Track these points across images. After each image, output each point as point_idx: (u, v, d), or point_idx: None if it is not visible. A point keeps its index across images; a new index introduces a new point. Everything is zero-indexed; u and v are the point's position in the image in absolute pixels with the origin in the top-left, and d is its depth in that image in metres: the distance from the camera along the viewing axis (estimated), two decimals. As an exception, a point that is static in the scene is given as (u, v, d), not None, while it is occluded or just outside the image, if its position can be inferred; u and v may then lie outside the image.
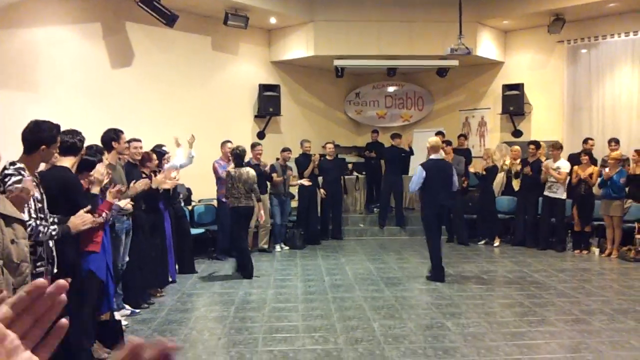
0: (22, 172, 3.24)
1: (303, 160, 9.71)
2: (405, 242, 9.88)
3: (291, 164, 9.65)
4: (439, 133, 10.47)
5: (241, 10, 9.36)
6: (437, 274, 6.89)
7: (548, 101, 10.96)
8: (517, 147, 9.78)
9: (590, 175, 8.58)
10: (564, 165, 8.79)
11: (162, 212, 6.48)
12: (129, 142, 5.91)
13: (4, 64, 7.23)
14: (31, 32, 7.54)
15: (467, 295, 6.23)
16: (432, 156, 7.01)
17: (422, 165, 6.96)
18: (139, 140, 6.11)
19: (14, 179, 3.18)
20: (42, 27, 7.66)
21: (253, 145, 9.02)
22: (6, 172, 3.22)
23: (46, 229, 3.25)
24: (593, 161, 8.87)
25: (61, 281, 0.68)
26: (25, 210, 3.11)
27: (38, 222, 3.22)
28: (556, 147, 8.97)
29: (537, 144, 9.35)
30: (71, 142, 3.81)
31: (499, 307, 5.79)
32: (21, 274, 2.80)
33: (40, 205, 3.32)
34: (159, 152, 6.75)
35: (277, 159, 9.47)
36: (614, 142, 8.90)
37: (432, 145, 7.02)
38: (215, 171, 8.46)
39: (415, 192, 7.31)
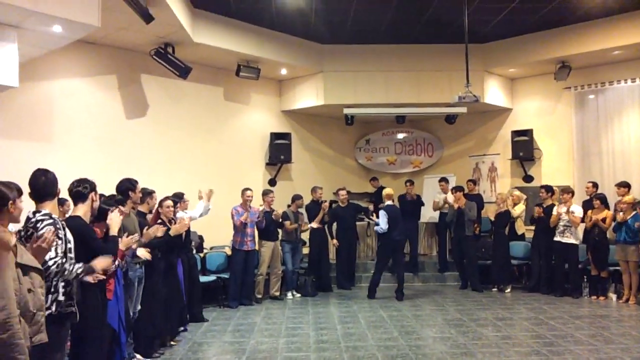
0: (53, 217, 3.33)
1: (313, 207, 9.74)
2: (418, 289, 9.76)
3: (302, 210, 9.69)
4: (442, 179, 10.55)
5: (253, 62, 9.62)
6: (370, 292, 9.00)
7: (557, 146, 11.01)
8: (517, 193, 9.81)
9: (604, 219, 8.52)
10: (577, 209, 8.75)
11: (175, 260, 6.51)
12: (161, 201, 6.25)
13: (22, 116, 7.45)
14: (48, 84, 7.80)
15: (483, 344, 6.12)
16: (388, 202, 9.00)
17: (385, 209, 8.89)
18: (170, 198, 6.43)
19: (46, 222, 3.27)
20: (59, 80, 7.93)
21: (265, 193, 9.10)
22: (36, 217, 3.30)
23: (72, 266, 3.33)
24: (606, 205, 8.82)
25: None
26: (53, 248, 3.20)
27: (64, 259, 3.31)
28: (567, 191, 8.96)
29: (548, 188, 9.34)
30: (75, 190, 3.89)
31: (515, 355, 5.67)
32: (36, 322, 2.82)
33: (70, 246, 3.40)
34: (178, 195, 6.86)
35: (289, 206, 9.52)
36: (622, 186, 8.88)
37: (387, 194, 9.11)
38: (232, 217, 8.48)
39: (383, 231, 8.77)
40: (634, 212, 8.24)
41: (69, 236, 3.47)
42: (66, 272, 3.32)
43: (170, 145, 9.24)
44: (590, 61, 10.11)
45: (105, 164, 8.14)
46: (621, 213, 8.28)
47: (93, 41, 8.11)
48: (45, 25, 6.10)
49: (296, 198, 9.53)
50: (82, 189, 3.87)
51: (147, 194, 6.23)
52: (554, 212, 8.88)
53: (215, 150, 9.96)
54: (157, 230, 5.51)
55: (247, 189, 8.63)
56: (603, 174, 10.27)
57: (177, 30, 7.91)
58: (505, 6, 8.82)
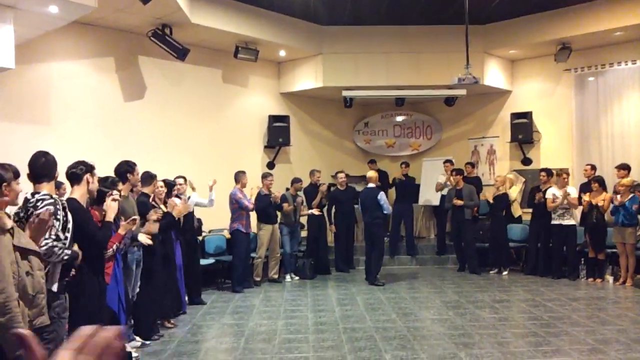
0: (54, 197, 3.34)
1: (311, 191, 9.75)
2: (416, 271, 9.81)
3: (300, 194, 9.70)
4: (447, 161, 10.53)
5: (251, 43, 9.54)
6: (366, 275, 8.94)
7: (557, 129, 10.98)
8: (511, 175, 9.85)
9: (602, 201, 8.54)
10: (572, 191, 8.78)
11: (173, 242, 6.53)
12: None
13: (19, 98, 7.40)
14: (45, 66, 7.73)
15: (480, 325, 6.17)
16: (369, 185, 8.91)
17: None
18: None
19: (47, 201, 3.28)
20: (56, 62, 7.85)
21: (264, 176, 9.09)
22: (36, 198, 3.29)
23: (60, 250, 3.31)
24: (604, 188, 8.83)
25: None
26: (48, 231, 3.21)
27: (55, 242, 3.29)
28: (559, 174, 8.97)
29: (548, 171, 9.35)
30: (71, 172, 3.88)
31: (512, 337, 5.72)
32: (37, 305, 2.83)
33: (69, 226, 3.40)
34: (170, 183, 6.83)
35: (287, 189, 9.52)
36: (622, 168, 8.87)
37: (368, 176, 9.13)
38: (238, 201, 8.44)
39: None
40: (631, 195, 8.25)
41: (70, 216, 3.47)
42: (53, 256, 3.29)
43: (168, 127, 9.20)
44: (591, 43, 10.04)
45: (103, 146, 8.10)
46: (619, 196, 8.29)
47: (90, 22, 8.02)
48: (41, 5, 6.04)
49: (295, 181, 9.53)
50: (77, 170, 3.85)
51: (151, 177, 6.23)
52: (548, 195, 8.88)
53: (213, 132, 9.92)
54: (153, 215, 5.51)
55: (244, 172, 8.61)
56: (602, 156, 10.27)
57: (174, 11, 7.82)
58: (506, -13, 8.73)
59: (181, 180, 7.46)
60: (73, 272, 3.49)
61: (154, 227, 5.57)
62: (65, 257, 3.38)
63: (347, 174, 10.70)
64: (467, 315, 6.63)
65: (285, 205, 9.12)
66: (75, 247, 3.59)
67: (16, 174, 3.00)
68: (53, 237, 3.30)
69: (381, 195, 8.63)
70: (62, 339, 3.31)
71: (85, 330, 0.75)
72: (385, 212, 8.71)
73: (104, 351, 0.72)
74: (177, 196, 7.15)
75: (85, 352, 0.70)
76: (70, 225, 3.46)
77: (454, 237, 9.97)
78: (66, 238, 3.42)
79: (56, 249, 3.28)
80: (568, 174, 9.03)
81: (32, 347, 0.73)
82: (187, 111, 9.53)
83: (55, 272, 3.34)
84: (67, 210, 3.47)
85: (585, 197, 8.68)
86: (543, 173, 9.34)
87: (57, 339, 3.16)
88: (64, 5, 6.07)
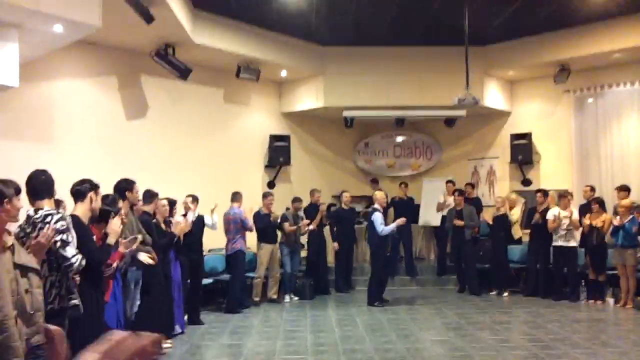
0: (60, 211, 3.39)
1: (312, 210, 9.74)
2: (416, 292, 9.76)
3: (301, 213, 9.68)
4: (449, 182, 10.56)
5: (253, 64, 9.63)
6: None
7: (556, 150, 11.02)
8: (513, 196, 9.82)
9: (602, 223, 8.53)
10: (574, 212, 8.77)
11: (172, 262, 6.53)
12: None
13: (22, 116, 7.44)
14: (49, 84, 7.79)
15: (481, 347, 6.12)
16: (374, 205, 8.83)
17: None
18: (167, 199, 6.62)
19: (56, 217, 3.36)
20: (60, 80, 7.92)
21: (265, 195, 9.09)
22: (43, 213, 3.35)
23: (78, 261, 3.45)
24: (604, 209, 8.82)
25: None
26: (73, 245, 3.43)
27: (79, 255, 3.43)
28: (564, 195, 8.97)
29: (544, 192, 9.36)
30: (76, 189, 3.93)
31: (513, 359, 5.67)
32: (34, 323, 2.81)
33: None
34: (172, 201, 6.85)
35: (287, 209, 9.52)
36: (622, 189, 8.89)
37: (374, 197, 9.02)
38: (243, 220, 8.40)
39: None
40: (631, 216, 8.25)
41: (74, 232, 3.50)
42: (77, 267, 3.45)
43: (169, 146, 9.23)
44: (590, 64, 10.13)
45: (105, 165, 8.11)
46: (618, 217, 8.29)
47: (93, 42, 8.09)
48: (46, 24, 6.10)
49: (295, 201, 9.53)
50: (81, 188, 3.89)
51: (153, 195, 6.27)
52: (549, 216, 8.88)
53: (214, 151, 9.96)
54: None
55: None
56: (602, 177, 10.28)
57: (177, 31, 7.91)
58: (506, 8, 8.83)
59: (189, 199, 7.51)
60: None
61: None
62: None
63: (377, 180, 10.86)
64: (467, 337, 6.58)
65: (286, 224, 9.11)
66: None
67: (17, 190, 3.01)
68: (77, 250, 3.44)
69: (375, 216, 8.54)
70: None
71: (116, 335, 0.73)
72: (379, 233, 8.49)
73: (135, 357, 0.71)
74: (183, 215, 7.19)
75: (111, 355, 0.69)
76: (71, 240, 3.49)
77: (454, 258, 9.93)
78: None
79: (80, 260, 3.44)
80: (572, 195, 9.02)
81: (57, 345, 0.72)
82: (188, 130, 9.58)
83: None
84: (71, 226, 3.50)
85: (586, 220, 8.66)
86: (539, 194, 9.35)
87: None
88: (69, 24, 6.14)
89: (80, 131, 8.07)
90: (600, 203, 8.78)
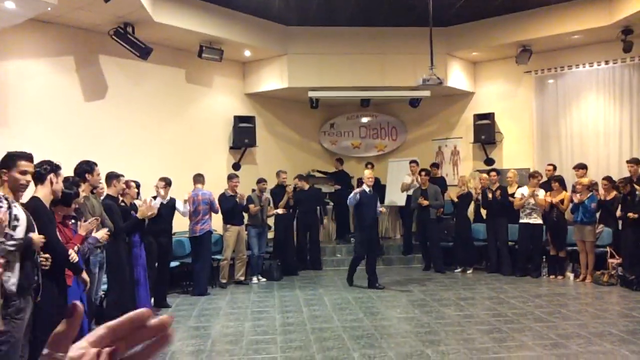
0: (7, 198, 3.23)
1: (279, 192, 9.71)
2: (382, 271, 9.82)
3: (267, 194, 9.64)
4: (413, 162, 10.65)
5: (216, 43, 9.44)
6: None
7: (518, 130, 11.21)
8: (484, 175, 9.82)
9: (562, 201, 8.75)
10: (540, 192, 8.96)
11: (138, 245, 6.42)
12: (126, 182, 6.29)
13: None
14: (1, 65, 7.47)
15: (446, 323, 6.23)
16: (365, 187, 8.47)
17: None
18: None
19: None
20: (13, 60, 7.60)
21: (230, 177, 9.00)
22: None
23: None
24: (564, 187, 9.06)
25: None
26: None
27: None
28: (535, 176, 9.15)
29: (497, 171, 9.65)
30: (36, 171, 3.79)
31: (477, 333, 5.79)
32: None
33: (15, 224, 3.30)
34: (137, 182, 6.77)
35: (253, 190, 9.46)
36: (580, 167, 9.15)
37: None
38: (213, 202, 8.38)
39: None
40: (590, 193, 8.48)
41: (20, 214, 3.35)
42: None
43: (130, 128, 9.01)
44: (550, 45, 10.30)
45: (63, 147, 7.86)
46: (578, 195, 8.51)
47: (48, 20, 7.80)
48: (-4, 1, 5.84)
49: (259, 181, 9.47)
50: (41, 170, 3.75)
51: (114, 177, 6.13)
52: (517, 194, 9.07)
53: (177, 133, 9.77)
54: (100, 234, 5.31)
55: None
56: (562, 156, 10.53)
57: (137, 10, 7.68)
58: (469, -10, 8.88)
59: (162, 184, 7.41)
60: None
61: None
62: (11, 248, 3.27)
63: (311, 174, 10.87)
64: (432, 313, 6.69)
65: (251, 206, 9.05)
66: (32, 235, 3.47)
67: None
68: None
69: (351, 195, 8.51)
70: (18, 341, 3.20)
71: (110, 323, 0.68)
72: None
73: (134, 333, 0.65)
74: (154, 197, 7.12)
75: (102, 343, 0.64)
76: (17, 224, 3.32)
77: (420, 237, 10.07)
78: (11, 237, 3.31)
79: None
80: (542, 176, 9.20)
81: (75, 324, 0.66)
82: (149, 111, 9.36)
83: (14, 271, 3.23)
84: (17, 208, 3.35)
85: (546, 197, 8.86)
86: (493, 173, 9.55)
87: (11, 341, 3.05)
88: (22, 1, 5.89)
89: (36, 113, 7.79)
90: (560, 181, 9.00)
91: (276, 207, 9.63)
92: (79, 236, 4.37)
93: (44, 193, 3.76)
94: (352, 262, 8.68)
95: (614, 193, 8.72)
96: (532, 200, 8.87)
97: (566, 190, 9.02)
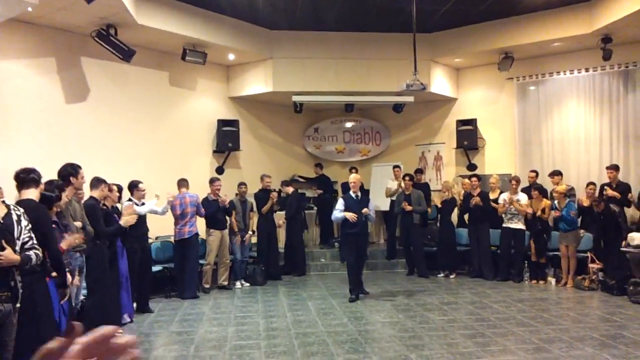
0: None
1: (262, 196, 9.66)
2: (366, 276, 9.78)
3: (250, 198, 9.61)
4: (396, 167, 10.70)
5: (199, 46, 9.38)
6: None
7: (500, 136, 11.32)
8: (466, 181, 9.83)
9: (543, 209, 8.84)
10: (522, 197, 9.05)
11: (120, 250, 6.35)
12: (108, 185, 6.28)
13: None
14: (-18, 66, 7.35)
15: (430, 327, 6.24)
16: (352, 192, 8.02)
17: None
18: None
19: None
20: (-6, 62, 7.48)
21: (212, 181, 8.96)
22: None
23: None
24: (544, 195, 9.14)
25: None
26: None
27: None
28: (517, 180, 9.24)
29: (478, 177, 9.71)
30: (30, 177, 3.84)
31: (461, 337, 5.81)
32: None
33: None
34: (120, 185, 6.73)
35: (236, 194, 9.41)
36: (555, 174, 9.31)
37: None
38: (199, 206, 8.40)
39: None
40: (567, 201, 8.57)
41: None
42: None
43: (113, 131, 8.90)
44: (532, 52, 10.42)
45: (44, 149, 7.76)
46: (554, 211, 8.59)
47: (30, 21, 7.68)
48: (-24, 1, 5.74)
49: (239, 185, 9.45)
50: (36, 177, 3.88)
51: (102, 181, 6.11)
52: (500, 200, 9.15)
53: (160, 136, 9.68)
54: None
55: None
56: (543, 162, 10.64)
57: (120, 12, 7.59)
58: (452, -4, 8.96)
59: (143, 186, 7.36)
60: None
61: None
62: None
63: (295, 179, 10.93)
64: (416, 318, 6.70)
65: (234, 220, 9.07)
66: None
67: None
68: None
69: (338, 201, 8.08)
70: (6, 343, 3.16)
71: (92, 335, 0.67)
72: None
73: (103, 352, 0.64)
74: (131, 200, 7.09)
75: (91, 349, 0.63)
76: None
77: (403, 242, 10.09)
78: None
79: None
80: (518, 181, 9.28)
81: (70, 343, 0.65)
82: (132, 114, 9.26)
83: None
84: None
85: (528, 209, 8.89)
86: (474, 178, 9.62)
87: None
88: (2, 1, 5.79)
89: (17, 115, 7.66)
90: (540, 189, 9.09)
91: (259, 212, 9.59)
92: (60, 247, 4.31)
93: (36, 195, 3.78)
94: (348, 271, 8.05)
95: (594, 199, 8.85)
96: (513, 207, 8.95)
97: (547, 198, 9.11)
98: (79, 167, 5.34)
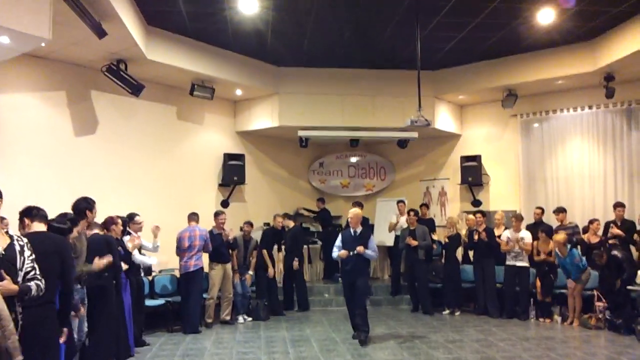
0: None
1: (270, 233, 9.68)
2: (370, 312, 9.71)
3: (257, 233, 9.60)
4: (400, 201, 10.70)
5: (207, 82, 9.54)
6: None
7: (505, 172, 11.35)
8: (471, 217, 9.74)
9: (550, 252, 8.79)
10: (526, 235, 9.00)
11: (124, 283, 6.35)
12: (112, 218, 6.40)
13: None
14: (-7, 98, 7.48)
15: (435, 366, 6.15)
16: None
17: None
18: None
19: None
20: (5, 94, 7.61)
21: (216, 214, 8.98)
22: None
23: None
24: (550, 236, 9.00)
25: None
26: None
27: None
28: (518, 218, 9.20)
29: (483, 213, 9.67)
30: (41, 213, 3.93)
31: (466, 377, 5.72)
32: None
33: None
34: (125, 220, 6.78)
35: (241, 229, 9.42)
36: (560, 211, 9.33)
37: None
38: (208, 240, 8.44)
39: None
40: (568, 249, 8.50)
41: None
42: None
43: (120, 164, 8.99)
44: (536, 90, 10.54)
45: (53, 181, 7.85)
46: (558, 250, 8.55)
47: (42, 55, 7.86)
48: (-9, 36, 5.87)
49: (244, 223, 9.51)
50: (45, 214, 3.99)
51: (113, 222, 6.24)
52: (503, 237, 9.11)
53: (167, 170, 9.76)
54: (107, 261, 5.37)
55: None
56: (548, 199, 10.64)
57: (130, 47, 7.77)
58: (456, 35, 9.11)
59: (139, 218, 7.39)
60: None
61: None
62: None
63: (299, 212, 10.94)
64: (421, 356, 6.61)
65: (234, 256, 9.11)
66: None
67: None
68: None
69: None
70: None
71: None
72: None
73: None
74: (128, 233, 7.10)
75: None
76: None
77: (408, 278, 10.01)
78: None
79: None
80: (520, 219, 9.24)
81: None
82: (140, 147, 9.36)
83: None
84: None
85: (536, 257, 8.85)
86: (479, 214, 9.59)
87: None
88: (16, 36, 5.92)
89: (27, 147, 7.76)
90: (547, 231, 9.00)
91: (265, 248, 9.55)
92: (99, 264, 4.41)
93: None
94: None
95: (598, 237, 8.80)
96: (517, 246, 8.91)
97: (551, 236, 9.00)
98: (94, 201, 5.40)
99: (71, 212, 5.04)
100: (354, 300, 7.50)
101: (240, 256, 9.24)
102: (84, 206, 5.23)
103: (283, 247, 10.09)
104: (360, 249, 7.29)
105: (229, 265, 8.89)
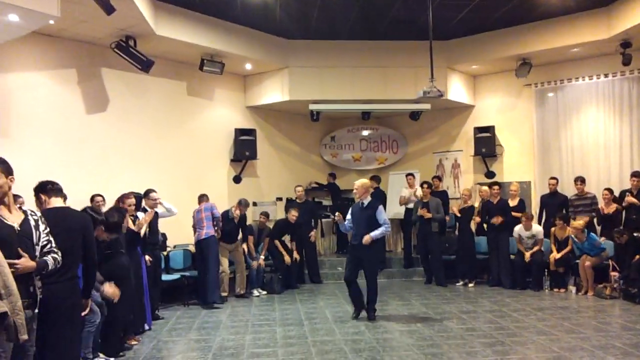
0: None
1: (283, 224, 9.72)
2: (384, 285, 9.78)
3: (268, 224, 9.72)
4: (409, 174, 10.66)
5: (217, 56, 9.48)
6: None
7: (519, 143, 11.23)
8: (485, 188, 9.71)
9: (567, 240, 8.79)
10: (538, 231, 9.04)
11: (140, 257, 6.43)
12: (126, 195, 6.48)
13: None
14: (4, 77, 7.50)
15: (448, 336, 6.19)
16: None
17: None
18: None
19: None
20: (16, 73, 7.63)
21: (240, 202, 8.97)
22: None
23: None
24: (567, 223, 8.90)
25: None
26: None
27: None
28: (528, 217, 9.13)
29: (499, 185, 9.63)
30: (57, 187, 4.02)
31: (480, 346, 5.74)
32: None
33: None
34: (138, 196, 6.87)
35: (255, 221, 9.54)
36: (580, 180, 9.22)
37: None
38: (216, 214, 8.47)
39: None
40: (586, 234, 8.44)
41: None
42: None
43: (131, 140, 9.02)
44: (550, 58, 10.35)
45: (64, 159, 7.90)
46: (576, 238, 8.54)
47: (51, 34, 7.85)
48: (0, 14, 5.86)
49: (260, 214, 9.65)
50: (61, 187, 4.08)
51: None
52: (515, 234, 9.16)
53: (178, 146, 9.78)
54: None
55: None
56: (562, 169, 10.53)
57: (139, 23, 7.72)
58: (468, 3, 8.93)
59: (155, 195, 7.40)
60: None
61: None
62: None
63: (313, 186, 10.87)
64: (435, 327, 6.64)
65: (250, 237, 9.23)
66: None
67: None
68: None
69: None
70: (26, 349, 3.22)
71: None
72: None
73: None
74: (144, 209, 7.15)
75: None
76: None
77: (421, 250, 10.02)
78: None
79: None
80: (529, 218, 9.14)
81: None
82: (151, 124, 9.37)
83: None
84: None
85: (551, 257, 8.81)
86: (496, 186, 9.52)
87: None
88: (25, 14, 5.92)
89: (39, 125, 7.81)
90: (564, 218, 8.91)
91: (276, 237, 9.65)
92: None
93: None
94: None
95: (614, 206, 8.72)
96: (530, 241, 9.05)
97: (568, 223, 8.90)
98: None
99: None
100: (368, 274, 7.22)
101: (254, 242, 9.40)
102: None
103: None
104: (366, 239, 6.95)
105: (238, 242, 8.96)
